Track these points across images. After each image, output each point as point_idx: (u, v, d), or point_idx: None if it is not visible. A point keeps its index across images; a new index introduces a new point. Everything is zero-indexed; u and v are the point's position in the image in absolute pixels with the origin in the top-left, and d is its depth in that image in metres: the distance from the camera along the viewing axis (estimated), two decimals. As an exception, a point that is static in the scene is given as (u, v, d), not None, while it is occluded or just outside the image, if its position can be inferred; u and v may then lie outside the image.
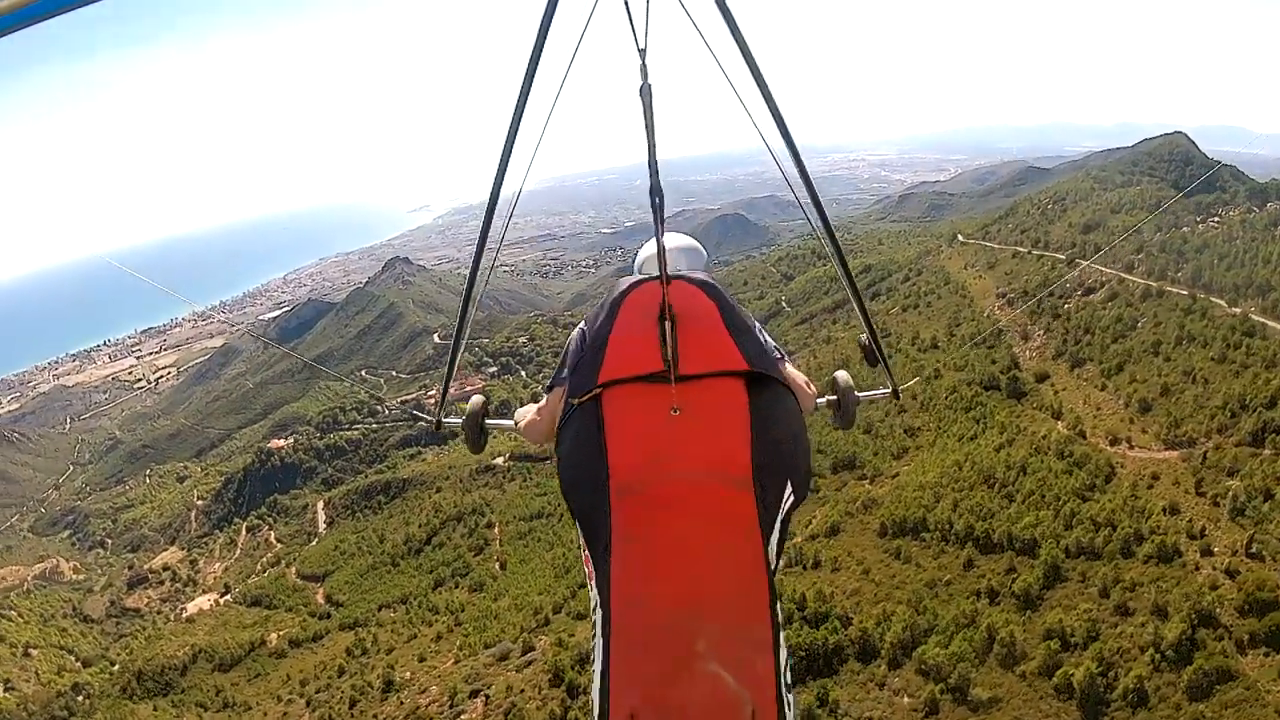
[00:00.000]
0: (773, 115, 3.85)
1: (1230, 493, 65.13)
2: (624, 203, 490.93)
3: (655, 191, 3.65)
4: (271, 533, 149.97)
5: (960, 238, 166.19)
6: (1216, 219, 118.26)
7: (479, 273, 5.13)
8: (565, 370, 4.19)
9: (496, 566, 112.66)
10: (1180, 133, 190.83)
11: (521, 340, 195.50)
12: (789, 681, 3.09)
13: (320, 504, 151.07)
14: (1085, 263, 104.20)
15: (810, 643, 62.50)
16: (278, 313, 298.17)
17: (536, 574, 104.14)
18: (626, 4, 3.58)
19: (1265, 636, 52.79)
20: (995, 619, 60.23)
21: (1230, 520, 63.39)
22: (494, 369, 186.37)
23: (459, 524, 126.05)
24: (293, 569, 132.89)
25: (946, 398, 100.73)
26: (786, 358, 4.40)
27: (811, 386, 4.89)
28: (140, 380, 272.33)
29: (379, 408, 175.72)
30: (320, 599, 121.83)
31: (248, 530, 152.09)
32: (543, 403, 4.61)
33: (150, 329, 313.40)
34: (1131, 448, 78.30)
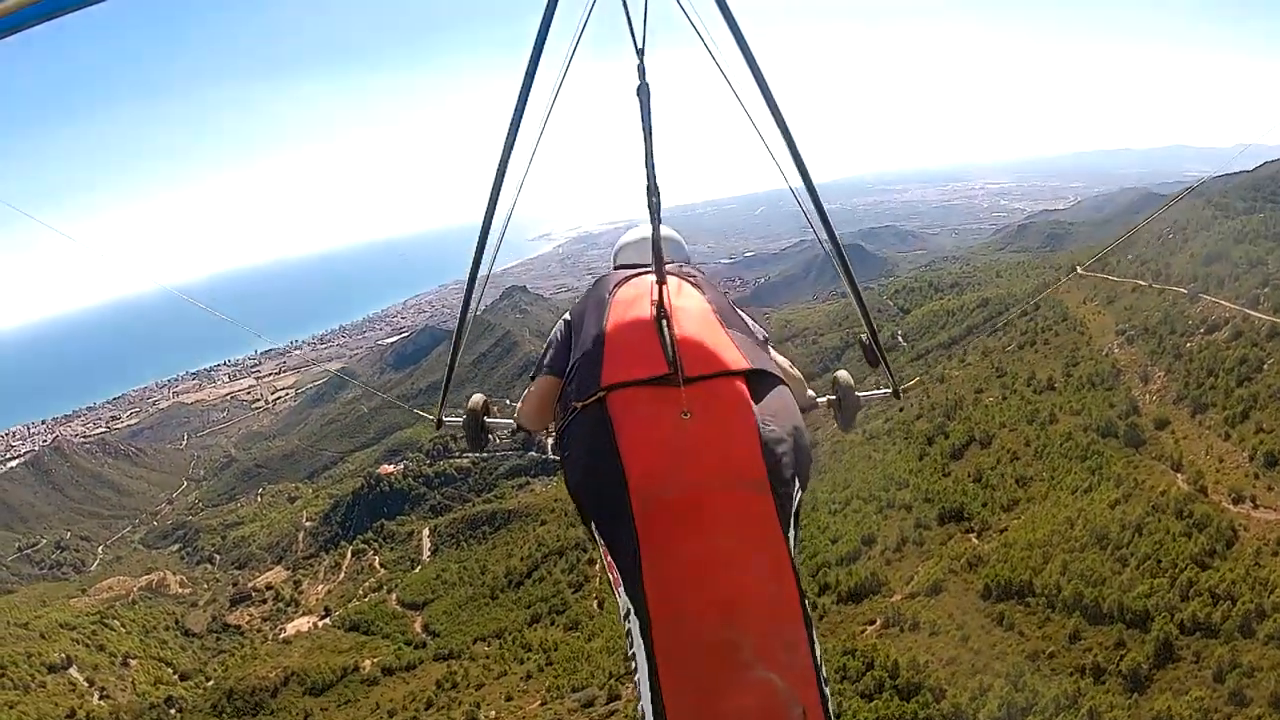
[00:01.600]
0: (774, 117, 4.02)
1: None
2: (743, 233, 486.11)
3: (652, 191, 3.65)
4: (376, 558, 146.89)
5: (1079, 270, 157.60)
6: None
7: (478, 274, 5.22)
8: (549, 361, 4.48)
9: (594, 605, 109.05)
10: None
11: None
12: (825, 675, 3.23)
13: (426, 531, 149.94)
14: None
15: (900, 717, 58.70)
16: (395, 339, 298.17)
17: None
18: (625, 4, 3.61)
19: (1397, 732, 47.46)
20: (1099, 700, 55.53)
21: (1368, 593, 57.63)
22: None
23: (560, 558, 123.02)
24: (394, 595, 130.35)
25: (1061, 445, 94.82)
26: (769, 341, 4.46)
27: (796, 371, 4.87)
28: (258, 400, 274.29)
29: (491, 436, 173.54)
30: (418, 627, 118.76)
31: (353, 554, 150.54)
32: (530, 389, 4.65)
33: (272, 350, 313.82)
34: (1256, 507, 71.73)
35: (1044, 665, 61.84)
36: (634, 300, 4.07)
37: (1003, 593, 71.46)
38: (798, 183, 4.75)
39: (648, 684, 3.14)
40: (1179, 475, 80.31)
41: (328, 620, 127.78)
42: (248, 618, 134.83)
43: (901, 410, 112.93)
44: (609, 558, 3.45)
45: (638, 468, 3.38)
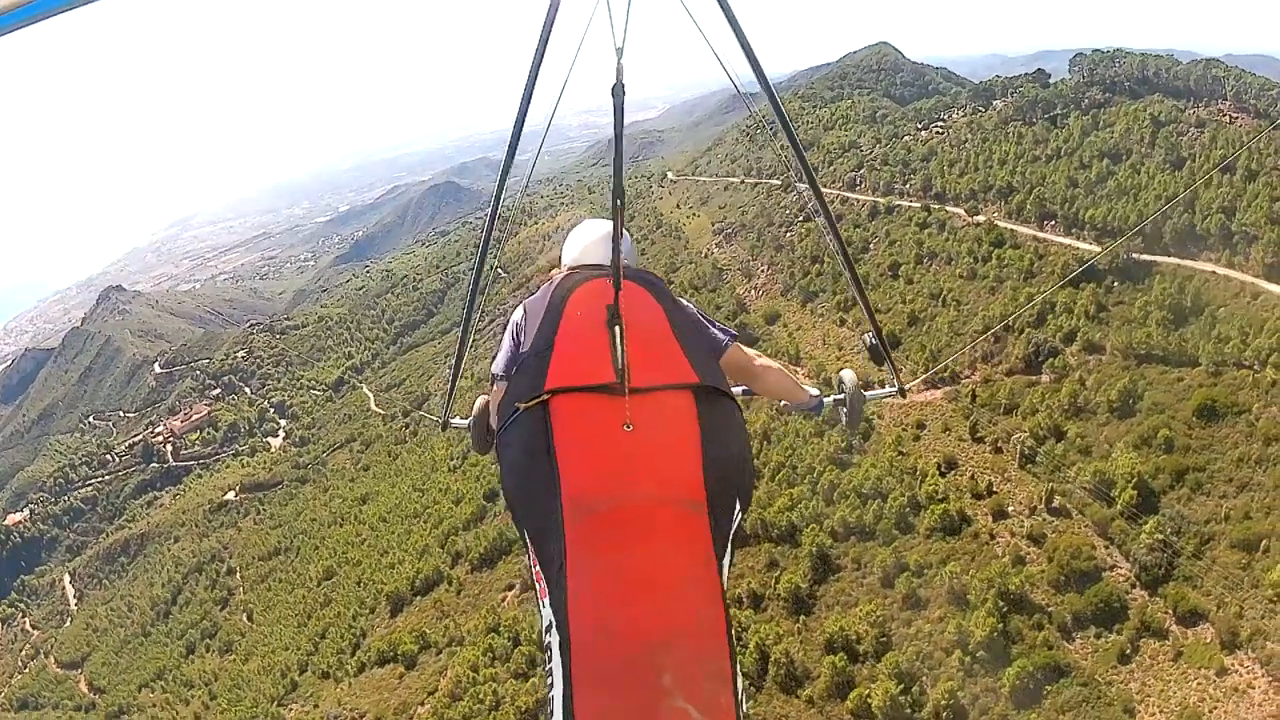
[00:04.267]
0: (775, 111, 3.90)
1: (1014, 436, 56.77)
2: (338, 187, 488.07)
3: (618, 193, 3.33)
4: (27, 620, 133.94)
5: (670, 175, 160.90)
6: (940, 124, 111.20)
7: (483, 273, 5.17)
8: (502, 367, 4.03)
9: (244, 619, 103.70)
10: (884, 42, 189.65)
11: (240, 356, 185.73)
12: (746, 712, 2.97)
13: (67, 578, 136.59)
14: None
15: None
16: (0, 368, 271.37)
17: (281, 623, 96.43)
18: (608, 2, 3.22)
19: (1092, 615, 45.65)
20: (764, 632, 51.85)
21: (1021, 469, 55.31)
22: (217, 390, 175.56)
23: (200, 575, 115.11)
24: (51, 658, 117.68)
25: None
26: (734, 339, 4.20)
27: (774, 364, 4.56)
28: None
29: (110, 456, 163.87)
30: (83, 687, 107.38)
31: (2, 623, 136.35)
32: (490, 395, 4.48)
33: None
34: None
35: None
36: (588, 303, 3.71)
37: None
38: (798, 175, 4.11)
39: (562, 705, 2.76)
40: (798, 370, 76.40)
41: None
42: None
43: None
44: (536, 567, 3.14)
45: (572, 476, 3.08)
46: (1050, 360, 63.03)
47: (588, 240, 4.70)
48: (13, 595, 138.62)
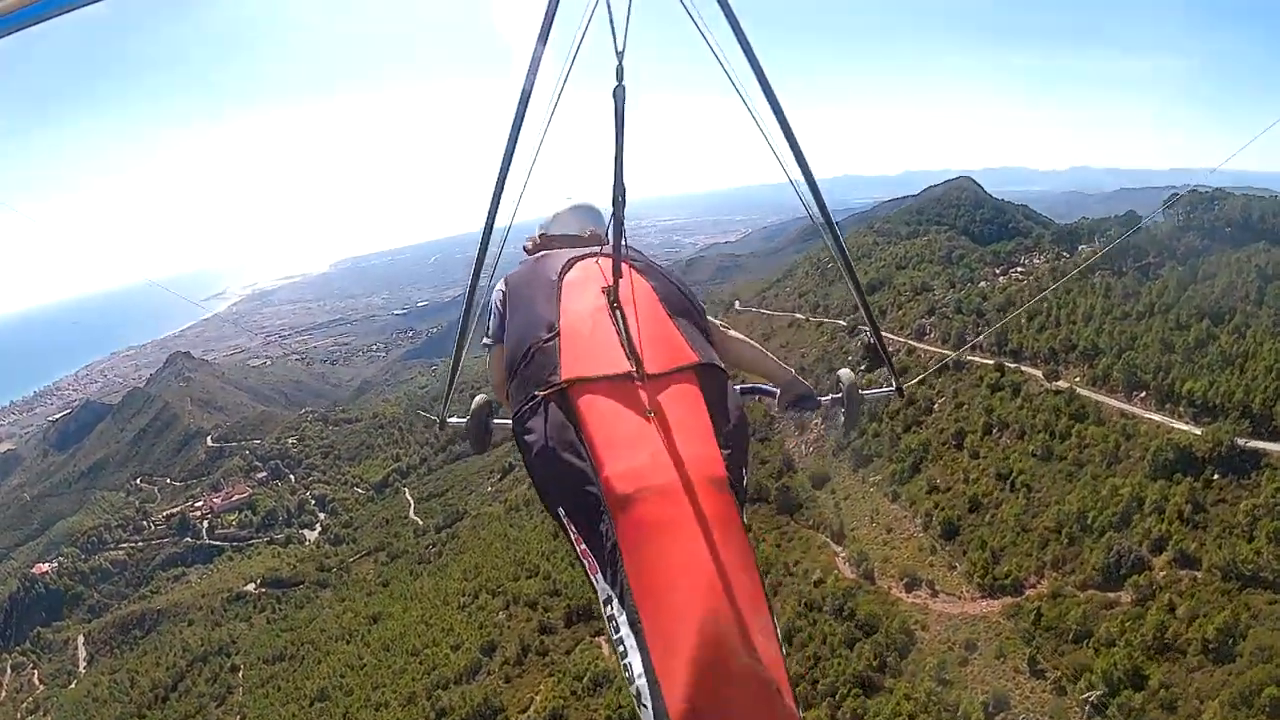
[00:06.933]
0: (782, 128, 3.79)
1: (1083, 679, 44.21)
2: (416, 282, 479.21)
3: (618, 189, 3.61)
4: (36, 672, 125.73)
5: (737, 305, 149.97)
6: (1020, 269, 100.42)
7: (480, 275, 4.90)
8: (494, 331, 4.37)
9: None
10: (966, 177, 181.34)
11: (291, 441, 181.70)
12: (785, 654, 3.24)
13: (81, 639, 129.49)
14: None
15: None
16: (64, 414, 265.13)
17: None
18: (609, 4, 3.36)
19: None
20: None
21: (1088, 722, 43.17)
22: (263, 473, 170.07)
23: (204, 665, 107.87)
24: (49, 718, 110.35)
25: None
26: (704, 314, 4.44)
27: (739, 335, 4.72)
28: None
29: (147, 522, 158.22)
30: None
31: (12, 670, 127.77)
32: (490, 362, 4.60)
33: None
34: (935, 595, 57.90)
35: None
36: (584, 286, 3.97)
37: (634, 724, 57.41)
38: (798, 180, 4.27)
39: (644, 674, 2.94)
40: (839, 552, 66.54)
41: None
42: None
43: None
44: (582, 545, 3.32)
45: (611, 470, 3.23)
46: (1134, 576, 50.14)
47: (558, 209, 5.00)
48: (27, 645, 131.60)
